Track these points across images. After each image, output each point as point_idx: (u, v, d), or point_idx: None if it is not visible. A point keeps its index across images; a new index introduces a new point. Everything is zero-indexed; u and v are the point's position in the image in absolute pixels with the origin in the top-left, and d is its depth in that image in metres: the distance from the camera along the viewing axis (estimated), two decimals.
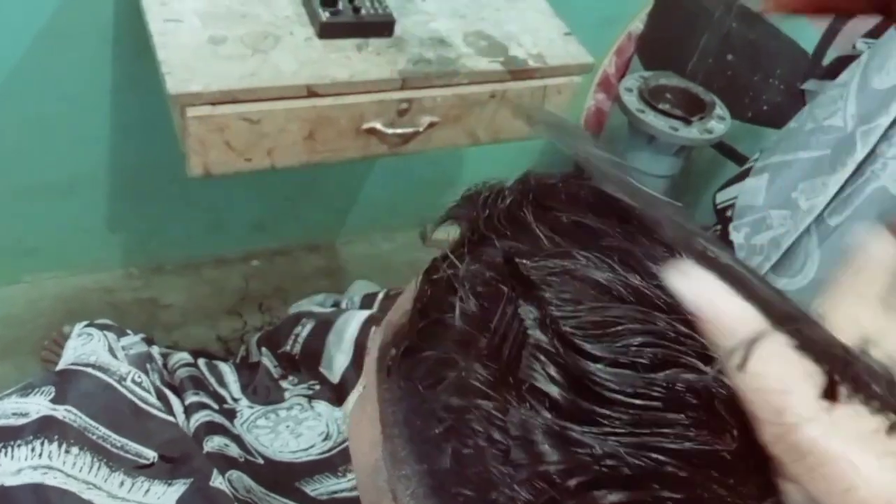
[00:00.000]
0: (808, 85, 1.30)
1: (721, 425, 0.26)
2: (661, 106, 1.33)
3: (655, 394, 0.26)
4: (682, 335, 0.27)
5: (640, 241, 0.30)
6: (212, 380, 0.82)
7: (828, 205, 0.67)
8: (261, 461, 0.72)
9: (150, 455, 0.62)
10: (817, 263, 0.66)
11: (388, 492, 0.33)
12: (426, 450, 0.30)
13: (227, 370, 0.85)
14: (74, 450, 0.57)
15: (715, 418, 0.26)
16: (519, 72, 0.89)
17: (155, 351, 0.80)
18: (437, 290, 0.31)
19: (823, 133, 0.71)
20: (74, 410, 0.59)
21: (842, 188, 0.67)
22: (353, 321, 0.84)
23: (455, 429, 0.28)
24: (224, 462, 0.66)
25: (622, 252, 0.29)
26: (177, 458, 0.63)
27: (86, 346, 0.68)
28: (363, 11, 0.84)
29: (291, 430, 0.77)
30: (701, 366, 0.26)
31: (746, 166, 0.79)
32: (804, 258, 0.67)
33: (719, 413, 0.26)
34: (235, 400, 0.81)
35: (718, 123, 1.33)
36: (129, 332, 0.79)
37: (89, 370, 0.63)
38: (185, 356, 0.82)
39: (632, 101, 1.33)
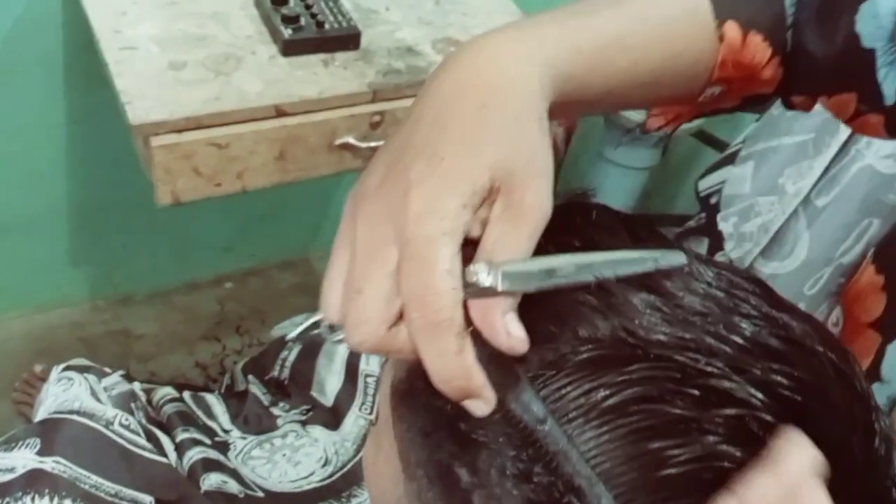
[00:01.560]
0: None
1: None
2: None
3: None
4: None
5: None
6: (200, 413, 0.80)
7: (814, 186, 0.68)
8: (261, 494, 0.70)
9: (146, 500, 0.60)
10: (807, 245, 0.67)
11: None
12: (455, 494, 0.28)
13: (214, 402, 0.83)
14: (67, 502, 0.55)
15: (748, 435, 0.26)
16: None
17: (137, 388, 0.77)
18: None
19: (806, 117, 0.71)
20: (63, 461, 0.57)
21: (827, 169, 0.68)
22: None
23: (486, 472, 0.27)
24: (223, 500, 0.65)
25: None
26: (174, 502, 0.61)
27: (67, 392, 0.66)
28: (326, 26, 0.82)
29: (289, 458, 0.76)
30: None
31: (728, 152, 0.80)
32: (793, 241, 0.67)
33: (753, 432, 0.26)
34: (226, 431, 0.79)
35: None
36: (108, 370, 0.77)
37: (74, 417, 0.61)
38: (169, 391, 0.80)
39: None
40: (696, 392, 0.26)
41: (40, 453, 0.57)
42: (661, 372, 0.26)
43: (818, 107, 0.72)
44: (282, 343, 0.89)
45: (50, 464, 0.56)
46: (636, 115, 1.30)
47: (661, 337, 0.27)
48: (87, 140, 1.09)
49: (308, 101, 0.78)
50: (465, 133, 0.28)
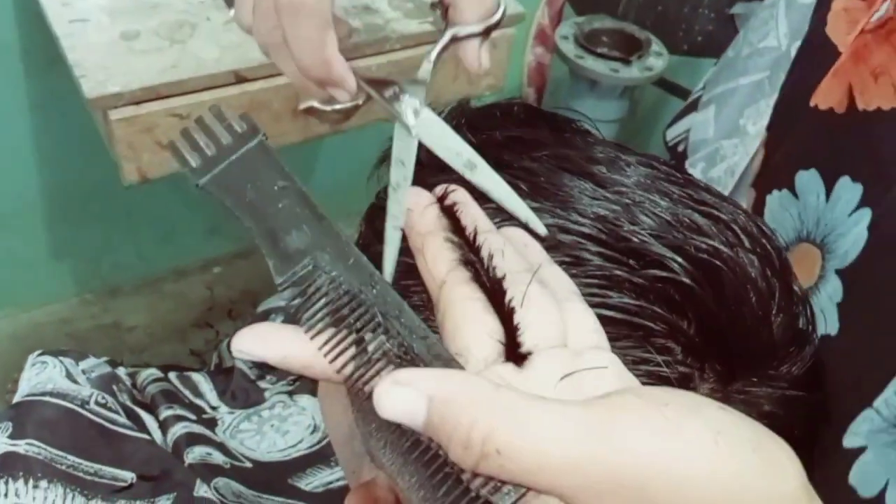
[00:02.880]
0: (737, 8, 1.29)
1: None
2: (598, 50, 1.31)
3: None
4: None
5: (575, 146, 0.31)
6: (186, 392, 0.79)
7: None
8: (249, 465, 0.69)
9: (128, 476, 0.59)
10: None
11: (366, 454, 0.31)
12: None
13: (201, 380, 0.82)
14: (43, 483, 0.54)
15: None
16: None
17: (121, 371, 0.77)
18: (377, 230, 0.31)
19: (760, 56, 0.70)
20: (37, 443, 0.56)
21: None
22: None
23: None
24: (208, 471, 0.64)
25: (558, 158, 0.30)
26: (157, 476, 0.60)
27: (40, 375, 0.65)
28: None
29: (277, 428, 0.75)
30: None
31: (691, 99, 0.78)
32: None
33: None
34: (214, 408, 0.78)
35: (657, 59, 1.32)
36: (89, 355, 0.76)
37: (47, 398, 0.60)
38: (153, 372, 0.79)
39: (569, 48, 1.32)
40: (619, 254, 0.27)
41: (12, 437, 0.55)
42: (586, 230, 0.27)
43: (772, 42, 0.70)
44: (264, 316, 0.88)
45: (23, 447, 0.55)
46: (597, 66, 1.28)
47: (586, 208, 0.28)
48: (53, 126, 1.06)
49: (267, 64, 0.74)
50: None
